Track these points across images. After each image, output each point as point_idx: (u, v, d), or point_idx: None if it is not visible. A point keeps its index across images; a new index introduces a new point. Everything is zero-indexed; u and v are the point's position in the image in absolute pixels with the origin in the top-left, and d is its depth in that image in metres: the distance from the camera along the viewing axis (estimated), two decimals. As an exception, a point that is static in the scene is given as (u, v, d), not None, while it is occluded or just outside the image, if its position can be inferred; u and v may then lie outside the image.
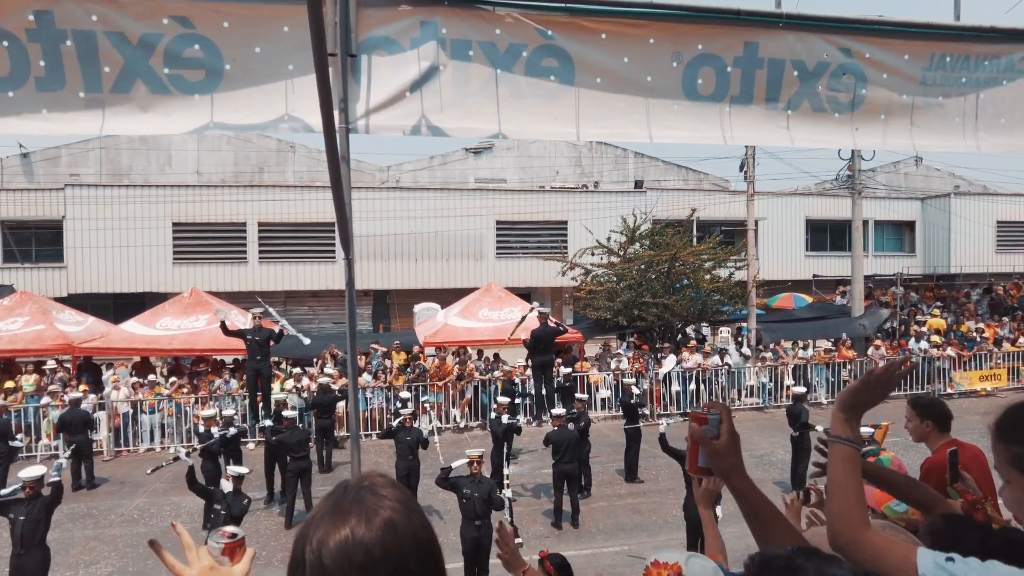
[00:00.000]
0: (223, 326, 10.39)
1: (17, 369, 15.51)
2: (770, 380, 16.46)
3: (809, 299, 23.28)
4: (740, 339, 17.87)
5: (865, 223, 21.55)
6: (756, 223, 18.92)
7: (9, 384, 13.90)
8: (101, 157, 27.67)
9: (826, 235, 28.92)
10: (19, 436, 11.85)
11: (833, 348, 17.23)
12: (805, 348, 17.23)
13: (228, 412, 11.92)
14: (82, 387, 13.41)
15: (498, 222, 25.45)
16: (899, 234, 30.08)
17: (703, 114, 3.07)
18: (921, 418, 3.55)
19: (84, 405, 12.12)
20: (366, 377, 14.45)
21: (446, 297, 21.07)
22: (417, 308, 21.40)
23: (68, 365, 15.18)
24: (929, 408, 3.56)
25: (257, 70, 2.74)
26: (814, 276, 25.72)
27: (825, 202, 28.31)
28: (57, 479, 6.96)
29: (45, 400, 13.21)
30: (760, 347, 17.32)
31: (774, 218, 26.65)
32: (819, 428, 10.34)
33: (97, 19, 2.50)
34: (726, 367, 15.99)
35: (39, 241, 24.23)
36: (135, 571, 8.19)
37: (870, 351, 17.07)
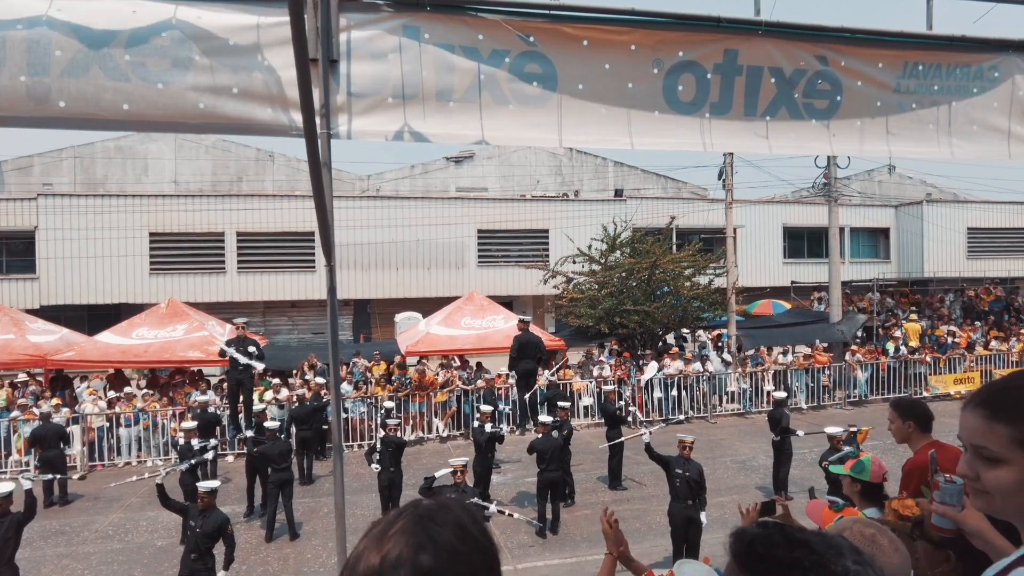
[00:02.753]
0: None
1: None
2: (750, 386, 16.60)
3: (788, 305, 23.55)
4: (720, 345, 18.01)
5: (841, 230, 21.90)
6: (735, 231, 19.13)
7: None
8: (75, 166, 27.26)
9: (803, 242, 29.32)
10: None
11: (812, 354, 17.44)
12: (785, 354, 17.42)
13: (203, 398, 11.76)
14: (54, 401, 13.12)
15: (479, 231, 25.45)
16: (874, 241, 30.60)
17: (684, 121, 3.10)
18: (903, 419, 3.61)
19: (56, 419, 11.85)
20: (346, 387, 14.32)
21: (428, 306, 20.99)
22: (399, 317, 21.29)
23: (40, 378, 14.85)
24: (911, 409, 3.63)
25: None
26: (792, 283, 26.05)
27: (802, 210, 28.74)
28: (29, 487, 6.79)
29: (15, 414, 12.89)
30: (741, 353, 17.47)
31: (752, 226, 26.97)
32: (800, 433, 10.49)
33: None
34: (707, 373, 16.09)
35: (10, 251, 23.74)
36: (110, 588, 8.00)
37: (847, 356, 17.30)
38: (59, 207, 22.60)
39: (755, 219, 27.30)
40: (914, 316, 20.31)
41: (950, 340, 18.74)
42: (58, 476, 9.99)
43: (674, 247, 20.51)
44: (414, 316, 20.42)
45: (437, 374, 15.14)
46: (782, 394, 11.20)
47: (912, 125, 3.45)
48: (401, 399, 14.10)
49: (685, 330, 19.19)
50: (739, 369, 16.75)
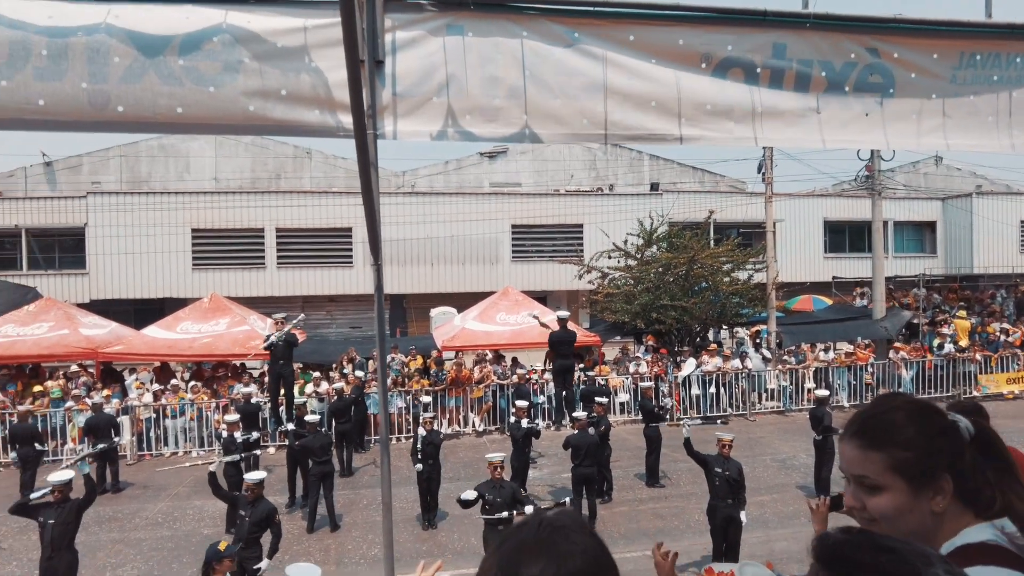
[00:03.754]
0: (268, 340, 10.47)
1: (42, 374, 15.75)
2: (791, 383, 16.30)
3: (829, 301, 23.03)
4: (759, 341, 17.71)
5: (885, 224, 21.30)
6: (774, 225, 18.76)
7: (37, 388, 14.12)
8: (121, 165, 28.08)
9: (844, 236, 28.62)
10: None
11: (854, 351, 17.03)
12: (826, 351, 17.04)
13: (245, 390, 12.04)
14: (105, 392, 13.58)
15: (513, 226, 25.46)
16: (919, 235, 29.69)
17: (734, 115, 3.04)
18: None
19: (107, 410, 12.27)
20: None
21: (462, 301, 21.10)
22: (434, 312, 21.46)
23: (92, 370, 15.38)
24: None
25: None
26: (833, 278, 25.44)
27: (843, 203, 28.03)
28: (87, 472, 7.06)
29: (70, 404, 13.40)
30: (781, 350, 17.16)
31: (792, 220, 26.42)
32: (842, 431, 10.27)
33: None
34: (746, 370, 15.85)
35: (62, 248, 24.62)
36: (160, 574, 8.26)
37: (891, 353, 16.85)
38: (107, 205, 23.35)
39: (795, 213, 26.73)
40: (963, 313, 19.64)
41: (1002, 338, 18.09)
42: (103, 447, 10.40)
43: (712, 242, 20.23)
44: (449, 311, 20.56)
45: (473, 369, 15.23)
46: (824, 392, 10.98)
47: (970, 117, 3.33)
48: (437, 393, 14.23)
49: (723, 326, 18.92)
50: (779, 366, 16.45)
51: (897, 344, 17.36)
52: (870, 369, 16.56)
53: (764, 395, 16.36)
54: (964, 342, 17.63)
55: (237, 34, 2.86)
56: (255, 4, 2.89)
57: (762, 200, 18.95)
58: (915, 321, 19.21)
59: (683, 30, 2.95)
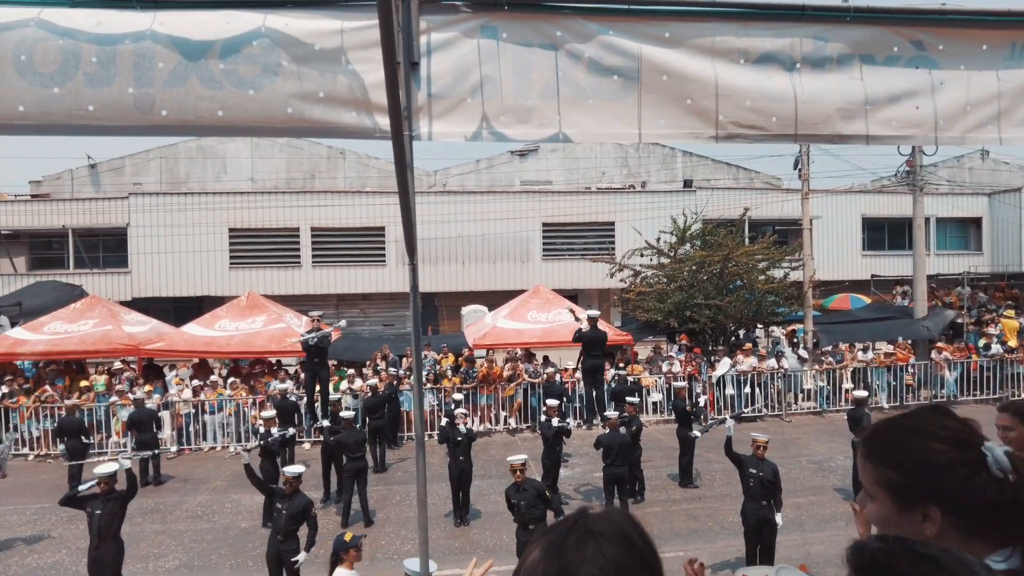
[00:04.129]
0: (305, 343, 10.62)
1: (86, 369, 16.27)
2: (828, 383, 15.97)
3: (867, 300, 22.48)
4: (796, 341, 17.38)
5: (927, 220, 20.71)
6: (811, 222, 18.39)
7: (83, 383, 14.60)
8: (161, 166, 28.80)
9: (884, 233, 27.90)
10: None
11: (894, 351, 16.60)
12: (865, 351, 16.65)
13: (282, 386, 12.27)
14: (146, 387, 13.96)
15: (544, 224, 25.43)
16: (963, 231, 28.79)
17: (773, 112, 2.98)
18: None
19: (148, 405, 12.62)
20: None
21: (493, 299, 21.16)
22: (465, 310, 21.56)
23: (134, 366, 15.83)
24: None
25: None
26: (872, 276, 24.83)
27: (883, 199, 27.33)
28: (128, 466, 7.29)
29: (113, 399, 13.81)
30: (818, 350, 16.82)
31: (829, 217, 25.85)
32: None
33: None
34: (782, 370, 15.58)
35: (106, 247, 25.38)
36: (200, 565, 8.47)
37: (934, 354, 16.39)
38: (147, 205, 23.99)
39: (832, 210, 26.14)
40: (1011, 312, 18.99)
41: (1051, 338, 17.44)
42: (152, 452, 10.69)
43: (747, 239, 19.92)
44: (480, 309, 20.62)
45: (504, 367, 15.26)
46: (863, 393, 10.73)
47: None
48: (468, 391, 14.29)
49: (759, 325, 18.62)
50: (815, 366, 16.13)
51: (940, 344, 16.86)
52: (911, 370, 16.14)
53: (800, 395, 16.07)
54: (1012, 342, 17.04)
55: (275, 37, 2.91)
56: (293, 7, 2.94)
57: (798, 197, 18.60)
58: (959, 321, 18.65)
59: (720, 26, 2.91)
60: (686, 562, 3.18)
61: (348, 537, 5.78)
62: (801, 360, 16.18)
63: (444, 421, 9.80)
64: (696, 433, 8.69)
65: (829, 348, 16.74)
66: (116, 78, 2.68)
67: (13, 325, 16.86)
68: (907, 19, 3.17)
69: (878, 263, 26.59)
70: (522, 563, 0.97)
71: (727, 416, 8.55)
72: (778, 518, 7.54)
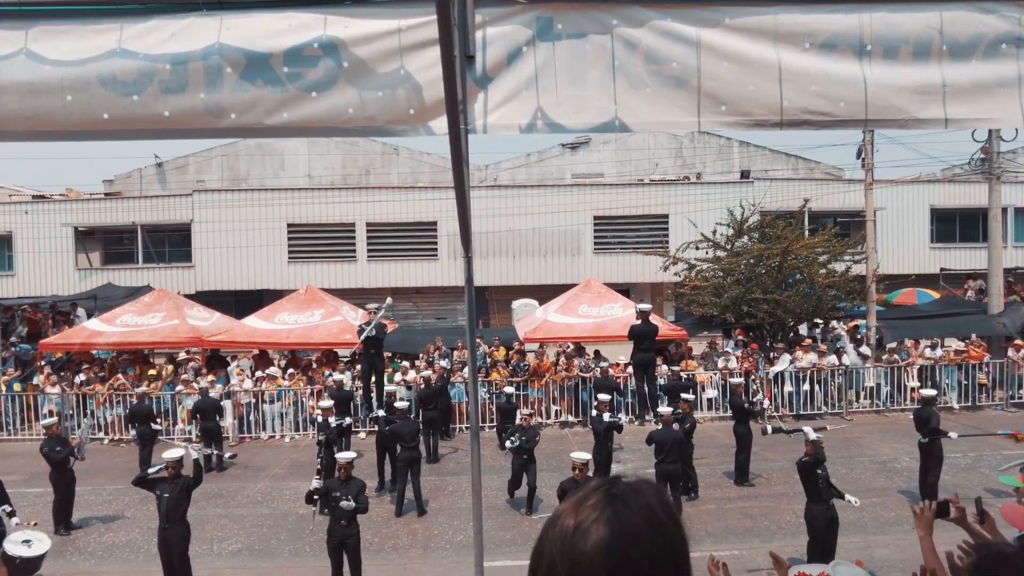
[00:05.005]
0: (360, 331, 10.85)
1: (152, 359, 17.03)
2: (887, 382, 15.36)
3: (935, 295, 21.45)
4: (859, 337, 16.75)
5: (1004, 210, 19.58)
6: (875, 213, 17.67)
7: (151, 372, 15.29)
8: (222, 164, 29.83)
9: (955, 225, 26.55)
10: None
11: (965, 348, 15.81)
12: (934, 347, 15.91)
13: (339, 377, 12.57)
14: (210, 377, 14.52)
15: (595, 217, 25.23)
16: (1045, 222, 27.17)
17: (843, 94, 2.85)
18: None
19: (212, 394, 13.12)
20: (467, 371, 14.75)
21: (543, 293, 21.13)
22: (515, 304, 21.61)
23: (198, 356, 16.48)
24: None
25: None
26: (941, 270, 23.72)
27: (954, 189, 25.99)
28: (196, 457, 7.62)
29: (179, 388, 14.42)
30: (881, 346, 16.18)
31: (894, 208, 24.78)
32: (952, 435, 9.57)
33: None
34: (843, 367, 15.06)
35: (171, 243, 26.46)
36: (260, 549, 8.78)
37: (1011, 352, 15.53)
38: (210, 202, 24.90)
39: (898, 200, 25.05)
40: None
41: None
42: (216, 452, 11.09)
43: (806, 231, 19.28)
44: (530, 303, 20.63)
45: (556, 361, 15.24)
46: (931, 392, 10.25)
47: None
48: (519, 384, 14.33)
49: (818, 320, 18.02)
50: (879, 363, 15.52)
51: (1017, 342, 15.96)
52: (985, 368, 15.35)
53: (861, 393, 15.49)
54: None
55: (335, 39, 2.96)
56: (351, 6, 2.99)
57: (861, 187, 17.89)
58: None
59: (782, 8, 2.81)
60: (710, 563, 3.11)
61: None
62: (863, 357, 15.60)
63: (510, 441, 9.81)
64: (777, 427, 8.44)
65: (894, 344, 16.07)
66: (188, 85, 2.78)
67: (89, 317, 17.81)
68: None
69: (948, 256, 25.37)
70: (549, 519, 1.01)
71: (804, 428, 8.31)
72: (852, 499, 7.52)
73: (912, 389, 14.96)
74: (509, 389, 12.65)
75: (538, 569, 0.97)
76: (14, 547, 6.88)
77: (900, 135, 24.06)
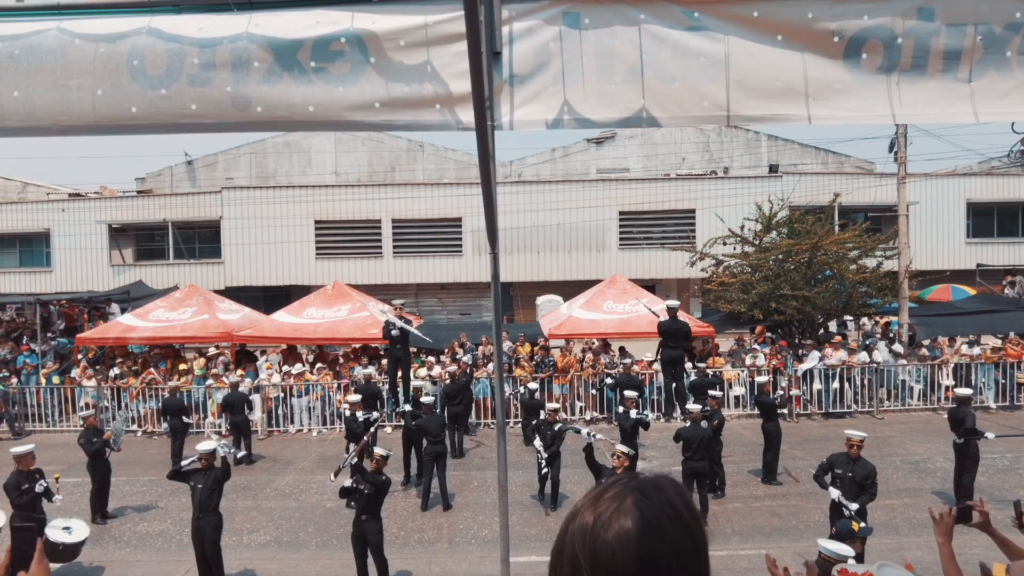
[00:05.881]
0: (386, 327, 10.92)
1: (182, 353, 17.37)
2: (919, 380, 15.02)
3: (971, 291, 20.94)
4: (891, 335, 16.42)
5: (1043, 204, 19.05)
6: (908, 208, 17.29)
7: (183, 367, 15.60)
8: (251, 161, 30.27)
9: (992, 219, 25.87)
10: None
11: (1003, 346, 15.41)
12: (970, 345, 15.53)
13: (365, 371, 12.68)
14: (239, 371, 14.77)
15: (621, 212, 25.10)
16: (1087, 216, 26.37)
17: (869, 91, 2.80)
18: None
19: (240, 388, 13.34)
20: (492, 367, 14.79)
21: (568, 289, 21.09)
22: (540, 300, 21.60)
23: (228, 351, 16.77)
24: None
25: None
26: (978, 265, 23.14)
27: (992, 182, 25.32)
28: (224, 454, 7.76)
29: (209, 382, 14.69)
30: (914, 343, 15.84)
31: (928, 202, 24.25)
32: (989, 435, 9.34)
33: None
34: (874, 365, 14.77)
35: (201, 239, 26.96)
36: (289, 541, 8.91)
37: (1050, 350, 15.10)
38: (239, 199, 25.30)
39: (932, 194, 24.50)
40: None
41: None
42: (235, 451, 11.27)
43: (836, 227, 18.94)
44: (555, 299, 20.61)
45: (581, 358, 15.20)
46: (966, 391, 10.01)
47: None
48: (544, 380, 14.33)
49: (848, 317, 17.70)
50: (911, 361, 15.20)
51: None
52: (1023, 367, 14.93)
53: (893, 392, 15.19)
54: None
55: (363, 34, 2.98)
56: (379, 3, 3.00)
57: (893, 181, 17.53)
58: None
59: (812, 3, 2.75)
60: (769, 563, 3.07)
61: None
62: (895, 354, 15.29)
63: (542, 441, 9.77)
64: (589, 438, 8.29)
65: (927, 342, 15.72)
66: (215, 78, 2.83)
67: (123, 312, 18.23)
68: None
69: (985, 251, 24.75)
70: (570, 513, 1.01)
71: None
72: (853, 506, 7.14)
73: (947, 388, 14.63)
74: (533, 385, 12.66)
75: (560, 562, 0.98)
76: (56, 533, 7.10)
77: (937, 127, 23.50)
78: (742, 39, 2.86)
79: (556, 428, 9.61)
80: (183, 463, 7.49)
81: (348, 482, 7.50)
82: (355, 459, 7.41)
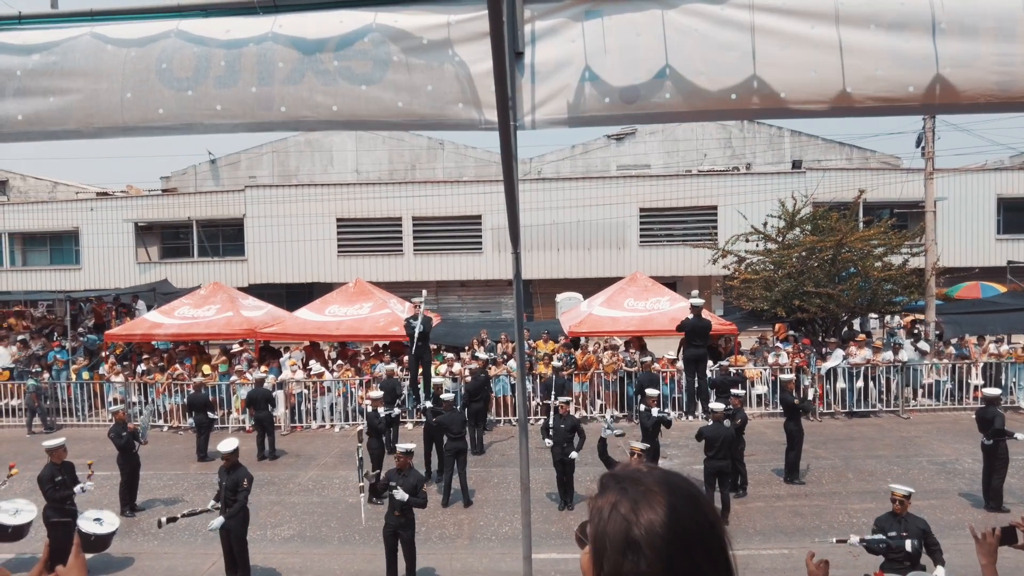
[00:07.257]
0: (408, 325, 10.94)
1: (206, 350, 17.62)
2: (949, 379, 14.75)
3: (1001, 288, 20.49)
4: (917, 332, 16.14)
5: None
6: (935, 204, 16.97)
7: (207, 370, 15.82)
8: (273, 160, 30.58)
9: (1024, 215, 25.31)
10: None
11: (1034, 344, 15.07)
12: (998, 344, 15.21)
13: (387, 367, 12.75)
14: (263, 368, 14.95)
15: (642, 209, 24.94)
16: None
17: (912, 78, 2.68)
18: None
19: (264, 385, 13.50)
20: (512, 364, 14.79)
21: (588, 286, 21.02)
22: (559, 298, 21.56)
23: (251, 348, 16.98)
24: None
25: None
26: (1009, 263, 22.65)
27: None
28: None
29: (233, 379, 14.89)
30: (941, 341, 15.55)
31: (957, 197, 23.75)
32: (1018, 436, 9.14)
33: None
34: (899, 363, 14.54)
35: (225, 237, 27.30)
36: (312, 536, 9.02)
37: (1083, 349, 14.75)
38: (262, 197, 25.57)
39: (961, 190, 23.99)
40: None
41: None
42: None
43: (861, 223, 18.65)
44: (575, 296, 20.55)
45: (600, 356, 15.15)
46: (995, 390, 9.81)
47: None
48: (565, 377, 14.30)
49: (873, 315, 17.43)
50: (938, 359, 14.93)
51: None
52: (1054, 366, 14.61)
53: (919, 391, 14.94)
54: None
55: (386, 33, 3.00)
56: (402, 3, 3.02)
57: (920, 177, 17.22)
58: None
59: (843, -7, 2.70)
60: (807, 556, 3.04)
61: None
62: (921, 353, 15.03)
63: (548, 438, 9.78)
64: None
65: (955, 340, 15.43)
66: (241, 79, 2.86)
67: (149, 308, 18.55)
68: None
69: (1017, 248, 24.20)
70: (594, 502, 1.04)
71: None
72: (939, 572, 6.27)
73: (975, 387, 14.35)
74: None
75: (601, 548, 1.00)
76: (87, 524, 7.26)
77: (965, 121, 22.99)
78: (771, 28, 2.79)
79: (570, 422, 9.60)
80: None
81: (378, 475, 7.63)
82: (373, 478, 7.52)
